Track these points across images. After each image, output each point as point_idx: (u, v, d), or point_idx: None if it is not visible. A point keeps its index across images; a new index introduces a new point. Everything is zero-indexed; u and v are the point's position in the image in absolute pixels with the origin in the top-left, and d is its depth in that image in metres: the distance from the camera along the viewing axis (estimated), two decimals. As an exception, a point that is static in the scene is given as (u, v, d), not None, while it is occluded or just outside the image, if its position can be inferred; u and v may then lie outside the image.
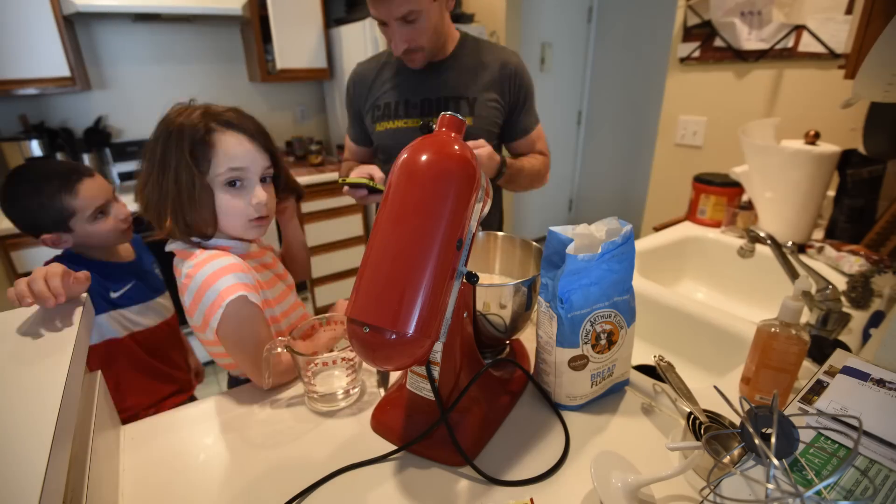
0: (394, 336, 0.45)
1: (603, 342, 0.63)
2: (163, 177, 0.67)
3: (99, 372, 0.66)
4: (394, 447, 0.60)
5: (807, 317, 0.84)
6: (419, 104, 1.10)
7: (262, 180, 0.74)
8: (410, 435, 0.60)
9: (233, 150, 0.69)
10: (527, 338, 0.80)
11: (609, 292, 0.62)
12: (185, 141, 0.66)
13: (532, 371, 0.72)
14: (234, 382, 0.87)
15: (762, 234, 0.87)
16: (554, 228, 0.61)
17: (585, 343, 0.62)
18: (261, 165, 0.73)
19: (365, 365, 0.72)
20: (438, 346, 0.55)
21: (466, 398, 0.59)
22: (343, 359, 0.67)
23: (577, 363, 0.62)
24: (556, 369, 0.64)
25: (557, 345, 0.62)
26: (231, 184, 0.70)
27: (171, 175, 0.67)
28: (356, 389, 0.71)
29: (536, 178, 1.16)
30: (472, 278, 0.52)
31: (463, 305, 0.55)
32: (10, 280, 1.85)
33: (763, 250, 1.23)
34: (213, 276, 0.66)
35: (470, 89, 1.08)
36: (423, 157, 0.49)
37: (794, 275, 0.87)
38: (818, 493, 0.37)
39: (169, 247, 0.75)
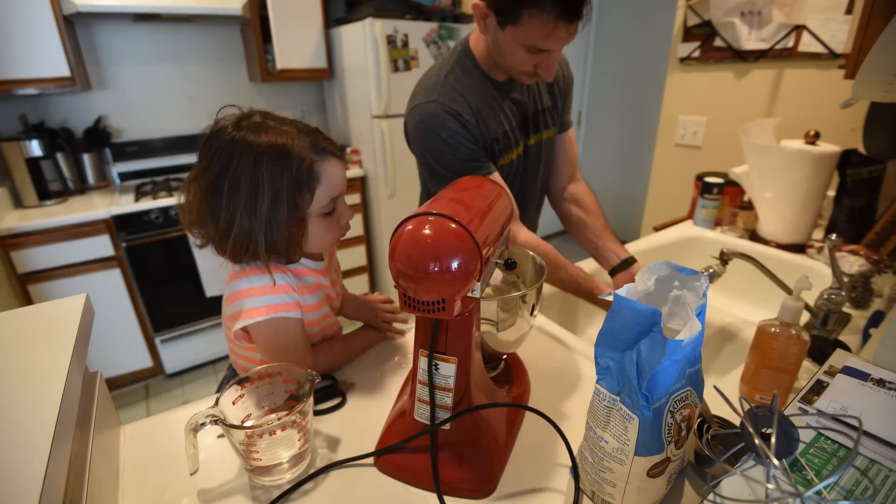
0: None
1: (683, 433, 0.49)
2: (254, 213, 0.62)
3: (99, 372, 0.66)
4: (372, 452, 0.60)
5: (807, 316, 0.84)
6: (520, 125, 1.02)
7: None
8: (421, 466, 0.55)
9: (334, 180, 0.67)
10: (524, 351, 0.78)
11: (684, 366, 0.47)
12: (291, 174, 0.62)
13: (574, 468, 0.55)
14: (226, 380, 0.88)
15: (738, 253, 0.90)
16: (621, 293, 0.47)
17: (669, 442, 0.47)
18: (345, 187, 0.71)
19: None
20: (451, 371, 0.53)
21: (481, 424, 0.55)
22: (294, 421, 0.53)
23: (658, 469, 0.47)
24: (628, 482, 0.48)
25: (637, 454, 0.46)
26: (329, 213, 0.68)
27: (263, 211, 0.62)
28: (306, 459, 0.59)
29: None
30: (510, 264, 0.52)
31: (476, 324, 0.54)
32: (10, 280, 1.85)
33: (763, 251, 1.23)
34: (250, 292, 0.66)
35: (544, 98, 1.03)
36: None
37: (780, 284, 0.88)
38: (818, 492, 0.37)
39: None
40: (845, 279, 0.82)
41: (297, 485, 0.55)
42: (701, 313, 0.46)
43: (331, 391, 0.71)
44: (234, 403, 0.57)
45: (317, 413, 0.67)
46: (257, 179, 0.61)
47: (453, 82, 0.94)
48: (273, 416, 0.60)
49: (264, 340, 0.69)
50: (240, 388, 0.58)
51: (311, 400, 0.56)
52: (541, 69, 0.87)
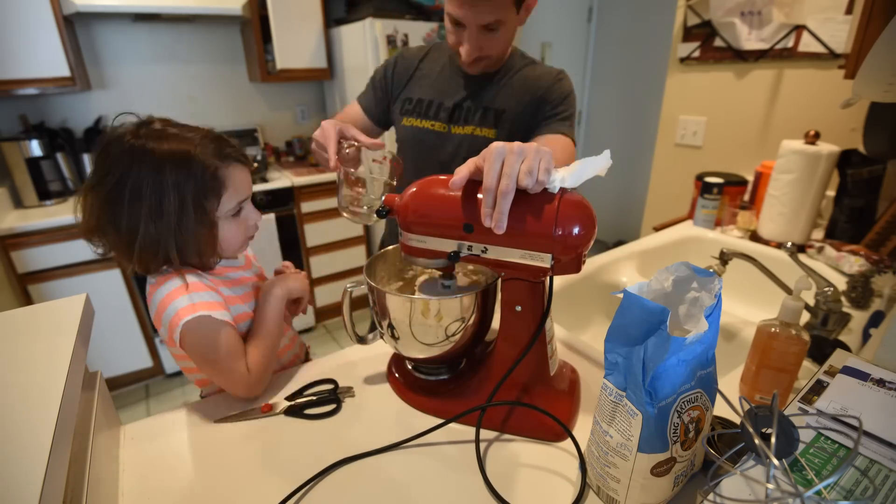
0: None
1: (691, 434, 0.48)
2: (159, 220, 0.62)
3: (99, 372, 0.66)
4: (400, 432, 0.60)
5: (807, 312, 0.84)
6: (450, 109, 1.06)
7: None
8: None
9: (240, 185, 0.69)
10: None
11: (694, 367, 0.47)
12: (196, 181, 0.63)
13: (582, 463, 0.56)
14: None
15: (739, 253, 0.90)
16: (631, 289, 0.47)
17: (674, 442, 0.47)
18: (251, 190, 0.74)
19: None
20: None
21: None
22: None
23: (662, 468, 0.48)
24: (632, 478, 0.49)
25: (639, 450, 0.47)
26: (235, 214, 0.70)
27: (169, 218, 0.62)
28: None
29: None
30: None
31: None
32: (10, 280, 1.85)
33: (763, 251, 1.23)
34: (168, 298, 0.65)
35: (500, 100, 1.04)
36: None
37: (780, 284, 0.88)
38: (818, 492, 0.37)
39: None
40: (819, 278, 0.84)
41: (301, 485, 0.55)
42: (712, 315, 0.46)
43: (329, 396, 0.71)
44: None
45: (313, 417, 0.67)
46: (161, 187, 0.61)
47: (429, 47, 1.11)
48: None
49: (195, 343, 0.65)
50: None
51: None
52: (461, 47, 0.94)
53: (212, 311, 0.65)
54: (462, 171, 0.53)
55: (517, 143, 0.52)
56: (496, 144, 0.52)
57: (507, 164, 0.50)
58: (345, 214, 0.79)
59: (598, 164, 0.54)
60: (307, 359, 0.91)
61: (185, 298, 0.65)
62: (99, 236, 0.66)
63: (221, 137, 0.68)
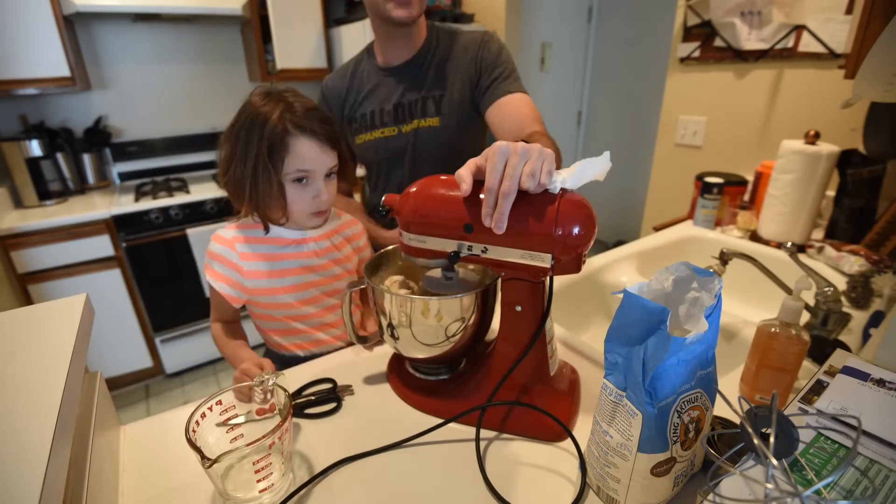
0: None
1: (691, 434, 0.48)
2: (243, 164, 0.74)
3: (99, 372, 0.66)
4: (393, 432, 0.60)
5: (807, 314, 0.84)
6: (392, 110, 1.07)
7: (327, 176, 0.81)
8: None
9: (303, 154, 0.76)
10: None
11: (694, 367, 0.47)
12: (264, 139, 0.73)
13: (582, 462, 0.56)
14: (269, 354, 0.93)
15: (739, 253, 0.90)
16: (631, 289, 0.47)
17: (674, 442, 0.47)
18: (327, 165, 0.79)
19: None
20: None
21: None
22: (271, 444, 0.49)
23: (662, 468, 0.48)
24: (632, 478, 0.48)
25: (639, 450, 0.47)
26: (298, 180, 0.77)
27: (249, 164, 0.74)
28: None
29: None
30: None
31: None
32: (10, 280, 1.85)
33: (763, 251, 1.23)
34: (209, 254, 0.83)
35: (436, 86, 1.04)
36: None
37: (780, 284, 0.88)
38: (817, 492, 0.37)
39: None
40: (819, 278, 0.84)
41: (301, 485, 0.55)
42: (712, 315, 0.46)
43: (328, 395, 0.71)
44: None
45: (313, 416, 0.67)
46: (248, 138, 0.73)
47: (348, 65, 1.13)
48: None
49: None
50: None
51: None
52: None
53: (213, 280, 0.81)
54: (465, 177, 0.53)
55: (521, 144, 0.52)
56: (499, 144, 0.51)
57: (510, 164, 0.50)
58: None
59: (598, 166, 0.54)
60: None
61: (212, 262, 0.82)
62: (229, 190, 0.79)
63: (314, 112, 0.77)
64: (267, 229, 0.81)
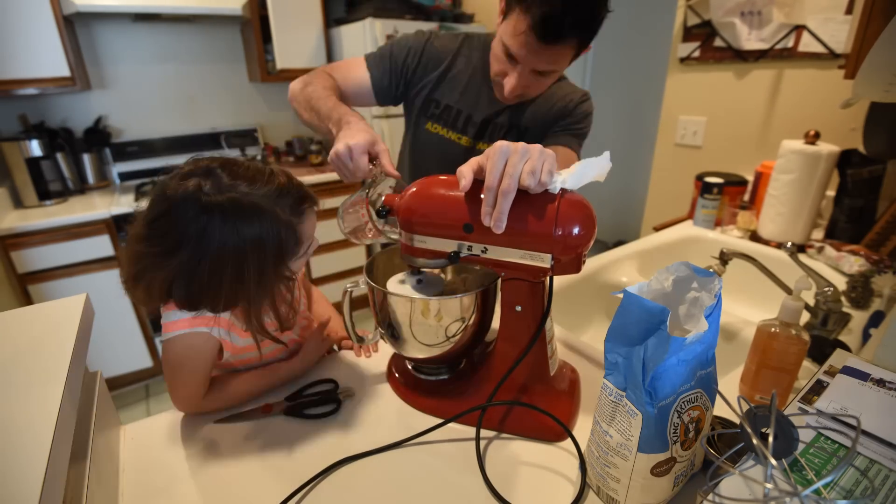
0: None
1: (691, 434, 0.48)
2: (241, 282, 0.58)
3: (99, 372, 0.66)
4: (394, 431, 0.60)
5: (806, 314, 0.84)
6: (478, 124, 1.02)
7: None
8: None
9: (311, 231, 0.65)
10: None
11: (694, 367, 0.46)
12: (274, 242, 0.58)
13: (582, 462, 0.56)
14: None
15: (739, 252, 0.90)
16: (631, 289, 0.47)
17: (674, 442, 0.47)
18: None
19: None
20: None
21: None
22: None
23: (662, 468, 0.48)
24: (632, 478, 0.48)
25: (639, 450, 0.47)
26: (301, 255, 0.66)
27: (251, 279, 0.58)
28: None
29: None
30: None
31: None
32: (10, 280, 1.85)
33: (763, 251, 1.23)
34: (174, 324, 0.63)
35: (525, 119, 1.02)
36: None
37: (780, 284, 0.88)
38: (817, 492, 0.37)
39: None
40: (819, 278, 0.85)
41: (301, 485, 0.55)
42: (712, 315, 0.46)
43: (328, 396, 0.71)
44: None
45: (313, 416, 0.67)
46: (242, 250, 0.56)
47: (459, 40, 1.02)
48: None
49: (171, 356, 0.64)
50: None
51: None
52: (505, 79, 0.88)
53: (200, 328, 0.63)
54: (466, 174, 0.53)
55: (521, 143, 0.52)
56: (501, 143, 0.51)
57: (510, 163, 0.50)
58: (350, 236, 0.74)
59: (598, 166, 0.54)
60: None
61: (183, 317, 0.63)
62: (152, 296, 0.61)
63: (293, 186, 0.62)
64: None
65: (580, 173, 0.53)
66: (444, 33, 1.04)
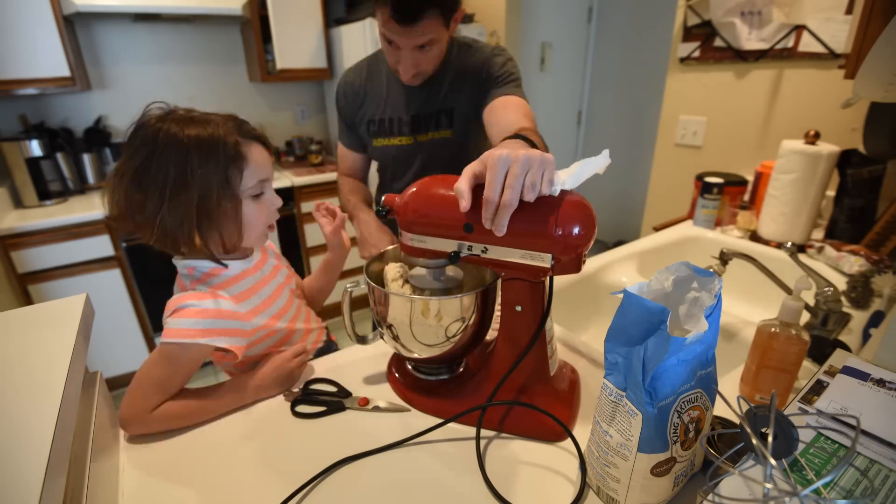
0: None
1: (691, 434, 0.48)
2: (184, 195, 0.63)
3: (99, 372, 0.66)
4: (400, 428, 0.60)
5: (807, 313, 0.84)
6: (410, 121, 1.11)
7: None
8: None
9: (261, 163, 0.70)
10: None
11: (694, 367, 0.46)
12: (218, 156, 0.64)
13: (582, 462, 0.56)
14: None
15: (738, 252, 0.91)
16: (631, 289, 0.47)
17: (674, 442, 0.47)
18: (272, 173, 0.74)
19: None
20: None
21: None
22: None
23: (662, 468, 0.47)
24: (632, 478, 0.48)
25: (639, 450, 0.47)
26: (256, 196, 0.71)
27: (194, 192, 0.63)
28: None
29: None
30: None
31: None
32: (10, 280, 1.85)
33: (763, 251, 1.23)
34: (190, 312, 0.65)
35: (449, 100, 1.09)
36: None
37: (780, 284, 0.88)
38: (816, 491, 0.37)
39: (182, 262, 0.71)
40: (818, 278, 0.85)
41: (302, 486, 0.55)
42: (712, 315, 0.46)
43: (329, 395, 0.71)
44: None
45: (313, 416, 0.67)
46: (185, 166, 0.63)
47: (364, 63, 1.16)
48: None
49: (152, 362, 0.65)
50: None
51: None
52: (399, 65, 0.98)
53: (196, 339, 0.64)
54: (465, 193, 0.52)
55: (521, 152, 0.50)
56: (500, 152, 0.50)
57: (511, 174, 0.49)
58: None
59: (597, 164, 0.54)
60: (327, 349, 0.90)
61: (203, 322, 0.66)
62: (126, 220, 0.66)
63: (239, 119, 0.71)
64: (219, 261, 0.71)
65: (579, 173, 0.53)
66: (351, 68, 1.19)
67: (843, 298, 0.86)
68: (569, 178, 0.53)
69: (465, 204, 0.52)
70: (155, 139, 0.63)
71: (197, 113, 0.69)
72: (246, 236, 0.72)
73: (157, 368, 0.65)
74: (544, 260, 0.54)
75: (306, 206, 2.44)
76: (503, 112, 0.97)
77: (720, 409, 0.57)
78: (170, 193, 0.63)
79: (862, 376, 0.51)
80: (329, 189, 2.47)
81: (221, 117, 0.69)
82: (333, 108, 2.96)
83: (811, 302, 0.84)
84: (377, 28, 0.96)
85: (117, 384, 2.21)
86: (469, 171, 0.53)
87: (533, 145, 0.66)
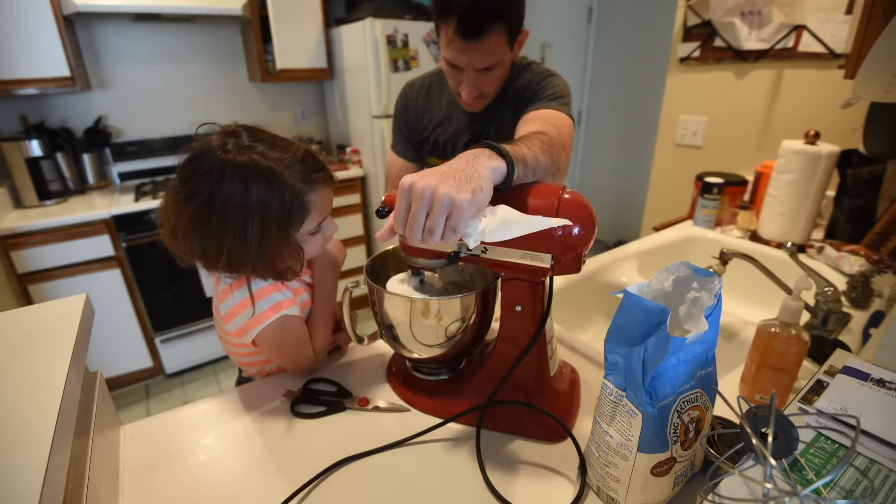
0: None
1: (691, 434, 0.48)
2: (244, 235, 0.61)
3: (99, 372, 0.66)
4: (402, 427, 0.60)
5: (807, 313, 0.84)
6: (462, 149, 1.05)
7: None
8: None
9: (322, 207, 0.68)
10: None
11: (694, 367, 0.46)
12: (279, 203, 0.62)
13: (582, 462, 0.56)
14: (242, 381, 0.87)
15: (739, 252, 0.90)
16: (631, 289, 0.47)
17: (674, 442, 0.47)
18: (332, 204, 0.72)
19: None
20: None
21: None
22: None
23: (662, 468, 0.47)
24: (632, 478, 0.48)
25: (639, 450, 0.47)
26: (314, 232, 0.70)
27: (253, 235, 0.61)
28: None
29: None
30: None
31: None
32: (10, 280, 1.85)
33: (763, 251, 1.23)
34: (243, 304, 0.67)
35: (503, 130, 1.03)
36: None
37: (780, 284, 0.88)
38: (816, 491, 0.37)
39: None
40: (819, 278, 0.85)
41: (302, 486, 0.55)
42: (712, 315, 0.46)
43: (329, 396, 0.71)
44: None
45: (313, 416, 0.67)
46: (247, 208, 0.60)
47: (427, 80, 1.13)
48: None
49: (271, 340, 0.70)
50: None
51: None
52: (461, 89, 0.94)
53: (289, 310, 0.69)
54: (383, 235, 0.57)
55: (425, 184, 0.47)
56: (403, 183, 0.49)
57: (410, 215, 0.48)
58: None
59: (526, 227, 0.50)
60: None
61: (267, 300, 0.68)
62: (181, 246, 0.65)
63: (310, 157, 0.67)
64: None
65: (504, 228, 0.49)
66: (413, 83, 1.15)
67: (843, 298, 0.86)
68: (495, 228, 0.49)
69: (380, 234, 0.57)
70: (220, 174, 0.60)
71: (261, 143, 0.63)
72: (306, 262, 0.72)
73: (288, 333, 0.70)
74: (544, 260, 0.54)
75: (306, 206, 2.44)
76: (525, 125, 0.89)
77: (720, 409, 0.57)
78: (232, 235, 0.61)
79: (862, 376, 0.51)
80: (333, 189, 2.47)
81: (289, 156, 0.64)
82: (333, 108, 2.97)
83: (811, 302, 0.84)
84: (441, 52, 0.93)
85: (117, 384, 2.21)
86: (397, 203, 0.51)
87: (501, 153, 0.53)
